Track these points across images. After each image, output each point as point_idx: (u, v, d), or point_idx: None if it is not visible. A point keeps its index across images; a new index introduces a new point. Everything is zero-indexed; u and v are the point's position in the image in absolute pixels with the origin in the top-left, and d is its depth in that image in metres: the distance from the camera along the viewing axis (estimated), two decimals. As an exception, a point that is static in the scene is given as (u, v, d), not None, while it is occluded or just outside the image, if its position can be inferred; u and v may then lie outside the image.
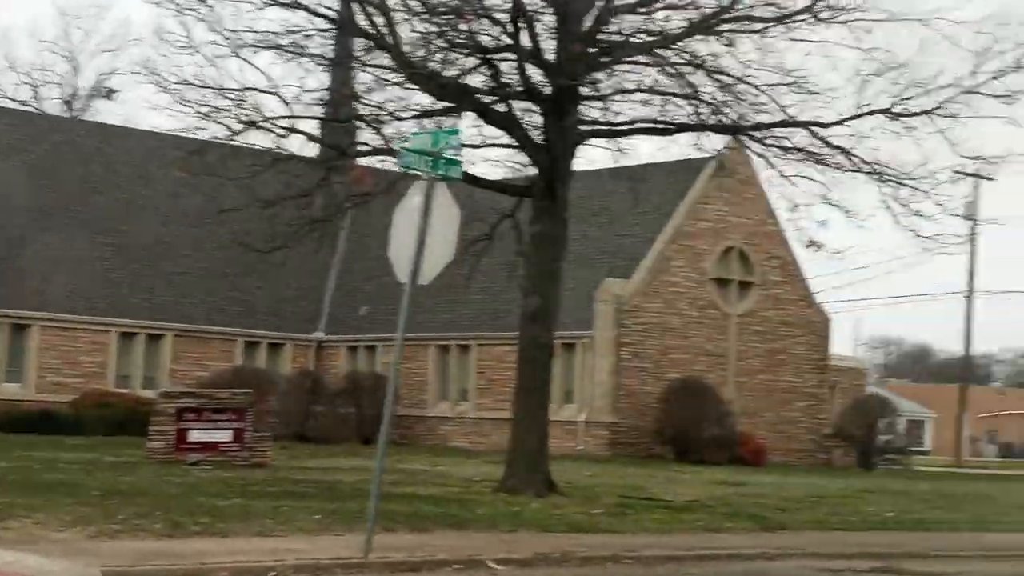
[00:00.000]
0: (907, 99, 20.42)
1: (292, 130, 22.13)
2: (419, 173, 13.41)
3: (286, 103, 21.70)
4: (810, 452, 44.10)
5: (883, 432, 45.81)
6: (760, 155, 21.15)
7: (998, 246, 79.33)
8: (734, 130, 21.19)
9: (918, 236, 21.03)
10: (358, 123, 23.02)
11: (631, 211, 38.05)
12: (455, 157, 13.53)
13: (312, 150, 23.36)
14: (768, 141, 21.02)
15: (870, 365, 60.84)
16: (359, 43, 21.77)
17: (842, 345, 57.10)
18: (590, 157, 22.32)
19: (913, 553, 16.23)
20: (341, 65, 22.74)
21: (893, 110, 20.51)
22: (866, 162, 20.73)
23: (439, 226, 13.37)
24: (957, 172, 21.31)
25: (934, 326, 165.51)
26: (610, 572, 14.04)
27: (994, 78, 20.11)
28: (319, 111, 22.90)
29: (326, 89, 22.90)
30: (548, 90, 21.03)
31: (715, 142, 22.24)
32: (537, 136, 21.58)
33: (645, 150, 21.97)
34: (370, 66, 21.37)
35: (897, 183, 20.66)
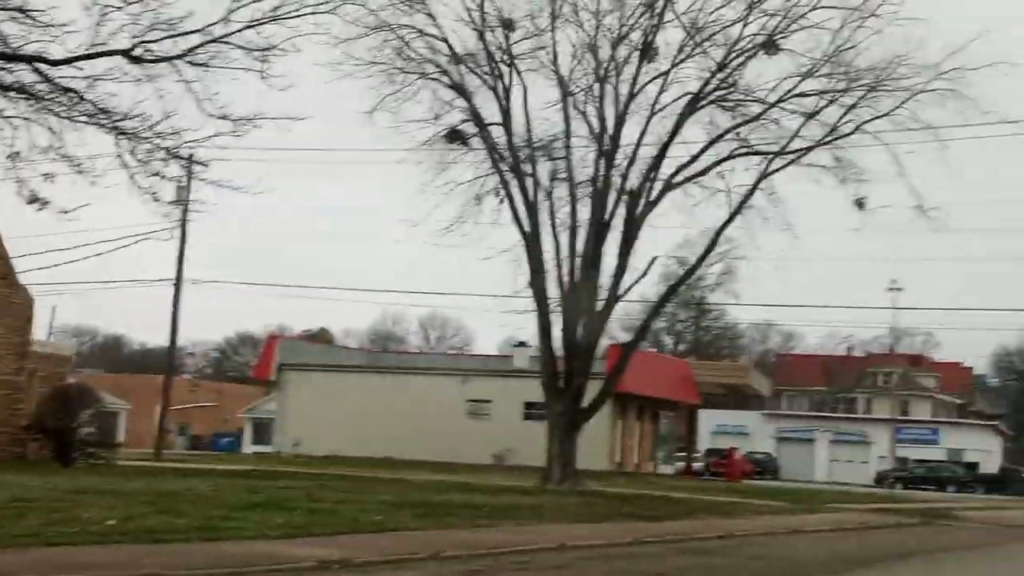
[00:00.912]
0: (150, 41, 17.58)
1: None
2: None
3: None
4: (4, 447, 39.96)
5: (84, 424, 42.76)
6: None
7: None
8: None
9: (158, 201, 18.34)
10: None
11: None
12: None
13: None
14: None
15: (73, 352, 57.40)
16: None
17: (40, 331, 53.46)
18: None
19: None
20: None
21: (133, 52, 17.57)
22: (101, 109, 17.61)
23: None
24: (172, 159, 18.52)
25: (124, 316, 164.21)
26: None
27: (249, 27, 17.80)
28: None
29: None
30: None
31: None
32: None
33: None
34: None
35: (137, 138, 17.73)
